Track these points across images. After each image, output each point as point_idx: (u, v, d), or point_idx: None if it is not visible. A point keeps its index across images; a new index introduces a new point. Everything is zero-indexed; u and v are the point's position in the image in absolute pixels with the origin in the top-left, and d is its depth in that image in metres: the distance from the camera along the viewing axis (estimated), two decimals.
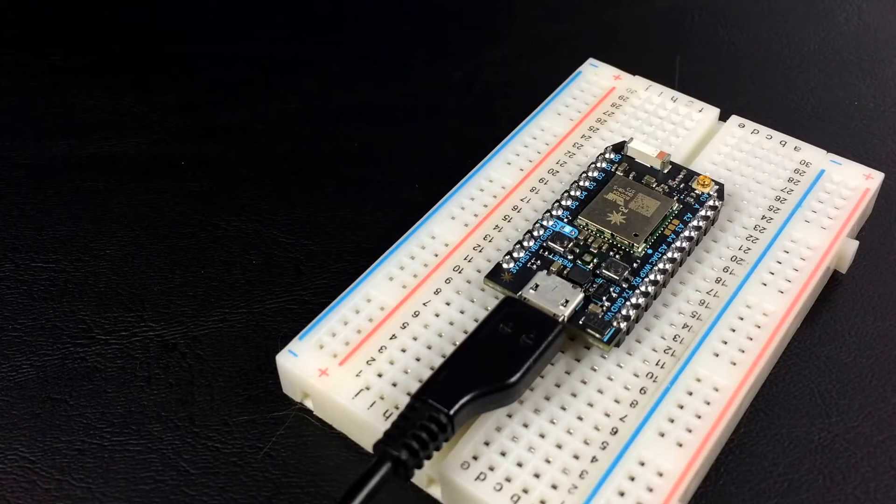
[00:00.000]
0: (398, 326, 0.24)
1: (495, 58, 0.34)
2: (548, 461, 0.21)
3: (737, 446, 0.23)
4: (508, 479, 0.21)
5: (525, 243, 0.25)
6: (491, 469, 0.21)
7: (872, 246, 0.28)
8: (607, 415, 0.22)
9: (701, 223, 0.25)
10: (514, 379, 0.21)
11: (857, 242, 0.26)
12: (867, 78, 0.33)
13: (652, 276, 0.24)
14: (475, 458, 0.21)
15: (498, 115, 0.32)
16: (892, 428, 0.24)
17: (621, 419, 0.22)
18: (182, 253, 0.28)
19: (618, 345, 0.23)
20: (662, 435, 0.22)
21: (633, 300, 0.23)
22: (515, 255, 0.25)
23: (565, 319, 0.23)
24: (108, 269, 0.28)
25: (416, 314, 0.24)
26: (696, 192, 0.26)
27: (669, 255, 0.24)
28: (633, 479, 0.21)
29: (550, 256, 0.25)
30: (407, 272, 0.25)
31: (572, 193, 0.26)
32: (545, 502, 0.21)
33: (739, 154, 0.28)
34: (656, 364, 0.23)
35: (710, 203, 0.26)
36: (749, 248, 0.25)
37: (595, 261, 0.24)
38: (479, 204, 0.27)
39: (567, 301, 0.23)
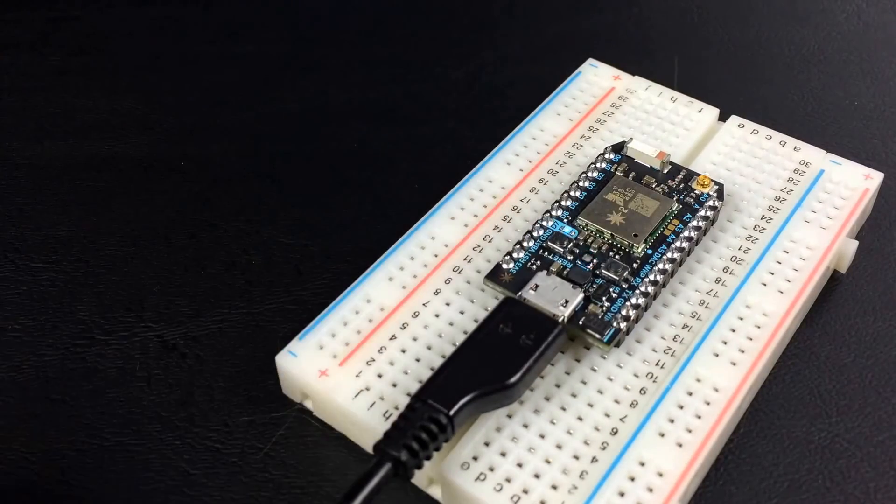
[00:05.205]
0: (398, 327, 0.24)
1: (495, 58, 0.34)
2: (548, 461, 0.21)
3: (737, 446, 0.23)
4: (508, 480, 0.21)
5: (525, 244, 0.25)
6: (491, 469, 0.21)
7: (872, 246, 0.28)
8: (607, 415, 0.22)
9: (701, 223, 0.25)
10: (514, 379, 0.21)
11: (856, 242, 0.26)
12: (867, 78, 0.33)
13: (652, 277, 0.24)
14: (475, 458, 0.21)
15: (498, 115, 0.32)
16: (892, 428, 0.24)
17: (621, 419, 0.22)
18: (182, 253, 0.28)
19: (618, 345, 0.23)
20: (662, 435, 0.22)
21: (633, 300, 0.23)
22: (515, 255, 0.25)
23: (565, 320, 0.23)
24: (108, 269, 0.28)
25: (415, 315, 0.24)
26: (696, 192, 0.26)
27: (669, 255, 0.24)
28: (633, 479, 0.21)
29: (550, 257, 0.25)
30: (407, 273, 0.25)
31: (572, 194, 0.26)
32: (545, 503, 0.21)
33: (739, 154, 0.28)
34: (656, 364, 0.23)
35: (710, 203, 0.26)
36: (749, 248, 0.25)
37: (595, 261, 0.24)
38: (478, 204, 0.27)
39: (567, 301, 0.23)
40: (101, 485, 0.23)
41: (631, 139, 0.27)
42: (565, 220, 0.26)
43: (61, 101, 0.33)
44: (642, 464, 0.21)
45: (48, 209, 0.29)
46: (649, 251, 0.25)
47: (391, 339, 0.24)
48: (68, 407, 0.24)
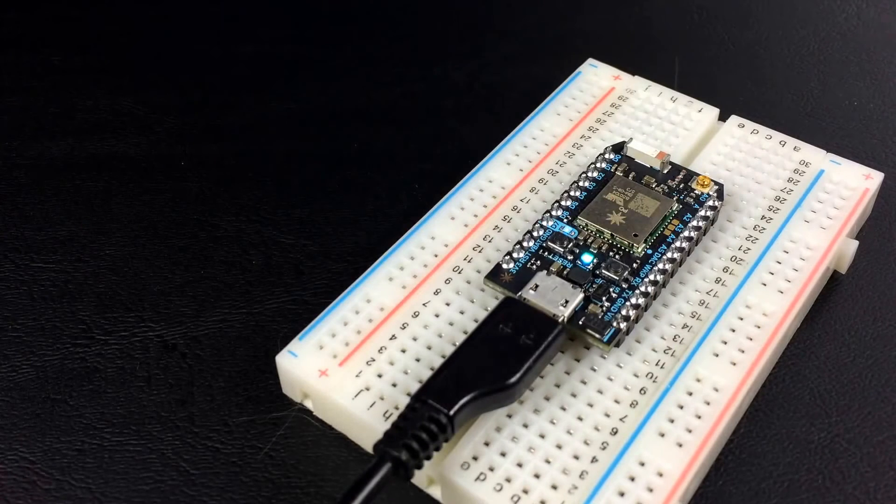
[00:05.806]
0: (398, 327, 0.24)
1: (495, 58, 0.34)
2: (548, 461, 0.21)
3: (737, 446, 0.23)
4: (508, 480, 0.21)
5: (525, 244, 0.25)
6: (491, 469, 0.21)
7: (872, 246, 0.28)
8: (607, 415, 0.22)
9: (700, 223, 0.25)
10: (514, 379, 0.21)
11: (856, 242, 0.26)
12: (867, 78, 0.33)
13: (652, 277, 0.24)
14: (475, 458, 0.21)
15: (498, 115, 0.32)
16: (892, 428, 0.24)
17: (621, 419, 0.22)
18: (182, 253, 0.28)
19: (618, 345, 0.23)
20: (662, 435, 0.22)
21: (633, 300, 0.23)
22: (515, 255, 0.25)
23: (565, 320, 0.23)
24: (108, 269, 0.28)
25: (415, 315, 0.24)
26: (696, 192, 0.26)
27: (669, 255, 0.24)
28: (633, 479, 0.21)
29: (550, 257, 0.25)
30: (406, 273, 0.25)
31: (572, 194, 0.26)
32: (545, 502, 0.21)
33: (739, 154, 0.28)
34: (656, 364, 0.23)
35: (710, 203, 0.26)
36: (749, 248, 0.25)
37: (595, 261, 0.24)
38: (478, 204, 0.27)
39: (567, 301, 0.23)
40: (101, 485, 0.23)
41: (631, 139, 0.27)
42: (565, 220, 0.26)
43: (61, 101, 0.33)
44: (642, 464, 0.21)
45: (48, 209, 0.29)
46: (649, 251, 0.25)
47: (391, 339, 0.24)
48: (68, 407, 0.24)
